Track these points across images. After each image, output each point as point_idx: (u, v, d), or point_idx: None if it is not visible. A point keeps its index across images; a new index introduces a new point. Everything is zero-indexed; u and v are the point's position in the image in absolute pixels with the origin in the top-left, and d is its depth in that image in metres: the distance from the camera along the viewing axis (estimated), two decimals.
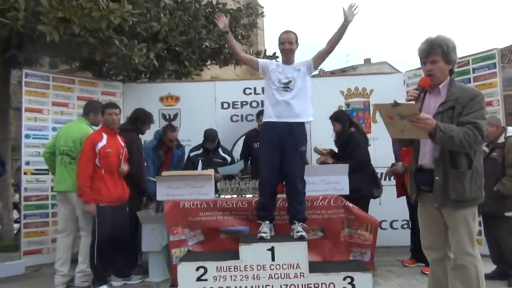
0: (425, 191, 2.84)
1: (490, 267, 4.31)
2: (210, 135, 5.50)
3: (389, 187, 5.68)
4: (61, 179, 4.62)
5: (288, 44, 4.16)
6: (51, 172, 5.10)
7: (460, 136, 2.54)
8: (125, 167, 4.51)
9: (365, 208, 4.81)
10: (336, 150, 5.17)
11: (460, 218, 2.69)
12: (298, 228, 3.92)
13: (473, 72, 5.54)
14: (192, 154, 5.59)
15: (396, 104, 2.54)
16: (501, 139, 4.33)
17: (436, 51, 2.74)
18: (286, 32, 4.24)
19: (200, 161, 5.45)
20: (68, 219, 4.64)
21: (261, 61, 4.33)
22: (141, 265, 5.06)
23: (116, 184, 4.44)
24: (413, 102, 2.59)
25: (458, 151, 2.65)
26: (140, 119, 5.11)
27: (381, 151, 5.66)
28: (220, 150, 5.60)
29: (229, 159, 5.60)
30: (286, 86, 4.10)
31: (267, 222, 4.00)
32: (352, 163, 4.74)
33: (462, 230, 2.68)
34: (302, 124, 4.07)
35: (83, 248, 4.48)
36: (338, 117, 5.09)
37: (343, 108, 6.22)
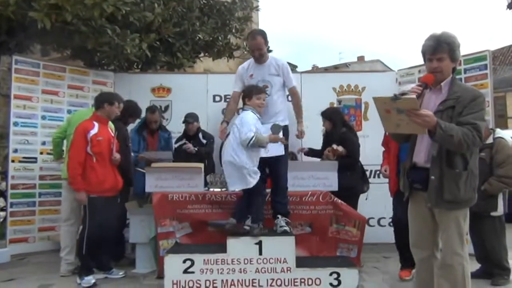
0: (417, 189, 2.84)
1: (475, 266, 4.36)
2: (187, 114, 5.68)
3: (377, 184, 5.71)
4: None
5: (257, 51, 4.18)
6: (55, 158, 5.07)
7: (460, 136, 2.53)
8: (117, 155, 4.49)
9: (355, 205, 4.85)
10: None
11: (451, 218, 2.71)
12: (282, 223, 3.95)
13: (465, 72, 5.57)
14: (176, 145, 5.69)
15: (396, 98, 2.48)
16: (490, 140, 4.38)
17: (443, 49, 2.71)
18: (253, 37, 4.21)
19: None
20: (73, 207, 4.61)
21: (236, 87, 4.38)
22: (127, 256, 5.05)
23: (107, 174, 4.40)
24: (414, 96, 2.54)
25: (454, 152, 2.65)
26: (129, 111, 5.10)
27: (371, 148, 5.67)
28: (200, 136, 5.68)
29: (205, 142, 5.66)
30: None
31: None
32: (349, 161, 4.82)
33: (452, 230, 2.70)
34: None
35: None
36: (330, 116, 5.08)
37: (335, 105, 6.22)
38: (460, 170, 2.67)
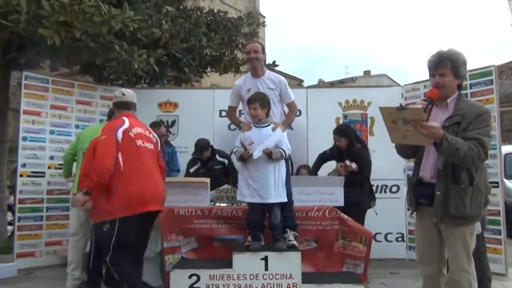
0: (423, 205, 2.84)
1: None
2: (198, 145, 5.53)
3: (383, 199, 5.70)
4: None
5: (253, 53, 4.30)
6: (64, 175, 5.10)
7: (465, 150, 2.54)
8: None
9: (362, 221, 4.82)
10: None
11: (458, 234, 2.70)
12: (290, 237, 3.94)
13: (470, 88, 5.56)
14: (192, 170, 5.60)
15: (401, 108, 2.50)
16: None
17: (445, 64, 2.74)
18: (249, 42, 4.42)
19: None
20: (82, 223, 4.62)
21: (232, 102, 4.48)
22: None
23: None
24: (420, 107, 2.56)
25: (460, 167, 2.65)
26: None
27: (377, 164, 5.65)
28: (217, 156, 5.63)
29: (226, 162, 5.62)
30: None
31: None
32: (359, 178, 4.85)
33: (459, 246, 2.69)
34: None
35: None
36: (347, 133, 5.02)
37: (341, 120, 6.24)
38: (465, 185, 2.67)
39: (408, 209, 5.76)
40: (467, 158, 2.56)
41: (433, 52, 2.84)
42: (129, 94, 3.93)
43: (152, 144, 3.71)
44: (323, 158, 5.28)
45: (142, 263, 3.83)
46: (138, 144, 3.54)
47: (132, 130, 3.55)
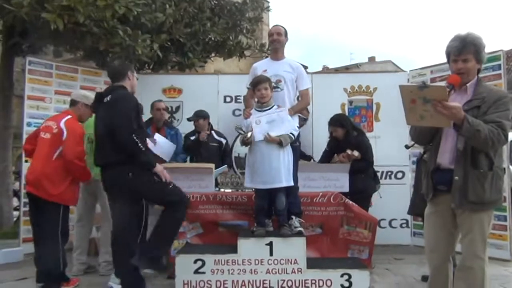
0: (441, 191, 2.77)
1: None
2: (197, 111, 5.60)
3: (388, 186, 5.70)
4: (89, 166, 4.60)
5: (276, 34, 4.30)
6: None
7: (486, 132, 2.48)
8: None
9: (368, 206, 4.83)
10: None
11: (475, 220, 2.65)
12: (296, 224, 3.93)
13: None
14: (192, 138, 5.59)
15: (424, 86, 2.41)
16: None
17: (469, 50, 2.68)
18: (275, 25, 4.42)
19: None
20: (88, 208, 4.64)
21: (249, 84, 4.34)
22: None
23: None
24: (444, 85, 2.49)
25: (479, 151, 2.60)
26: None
27: (382, 149, 5.65)
28: (214, 134, 5.65)
29: (224, 141, 5.65)
30: (276, 86, 4.15)
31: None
32: (364, 164, 4.83)
33: (475, 233, 2.64)
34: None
35: (105, 237, 4.49)
36: (342, 123, 5.00)
37: (346, 106, 6.20)
38: (485, 170, 2.61)
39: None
40: (488, 141, 2.50)
41: (452, 37, 2.76)
42: (74, 94, 4.52)
43: (48, 133, 4.07)
44: (326, 156, 5.21)
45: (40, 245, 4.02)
46: (41, 135, 4.10)
47: (44, 124, 4.18)
